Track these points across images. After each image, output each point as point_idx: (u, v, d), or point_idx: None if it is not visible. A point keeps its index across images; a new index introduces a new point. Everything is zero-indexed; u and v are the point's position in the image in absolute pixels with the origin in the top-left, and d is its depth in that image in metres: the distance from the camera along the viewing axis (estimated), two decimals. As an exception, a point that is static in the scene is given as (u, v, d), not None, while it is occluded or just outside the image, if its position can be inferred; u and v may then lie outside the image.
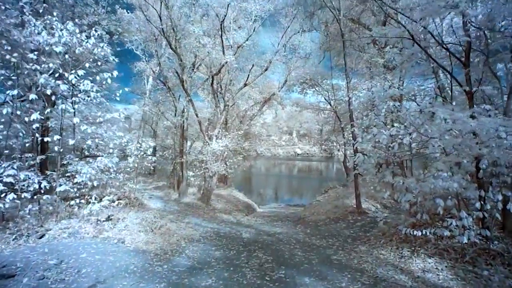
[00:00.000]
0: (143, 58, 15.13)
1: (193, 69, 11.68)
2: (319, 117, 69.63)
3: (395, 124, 5.86)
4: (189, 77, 11.44)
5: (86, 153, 8.93)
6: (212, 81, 10.65)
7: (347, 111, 16.93)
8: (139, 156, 9.05)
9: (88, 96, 6.42)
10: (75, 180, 7.36)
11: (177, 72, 10.26)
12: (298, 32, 11.67)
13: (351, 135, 13.86)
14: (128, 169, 9.08)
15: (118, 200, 9.58)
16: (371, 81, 10.66)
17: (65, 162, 7.68)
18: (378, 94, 6.77)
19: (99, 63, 7.10)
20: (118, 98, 7.01)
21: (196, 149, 12.70)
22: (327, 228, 7.79)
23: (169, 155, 13.36)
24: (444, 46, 5.20)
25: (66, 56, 6.37)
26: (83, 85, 6.50)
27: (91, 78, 6.89)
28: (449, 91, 8.37)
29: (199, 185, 11.62)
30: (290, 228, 8.01)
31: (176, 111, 11.40)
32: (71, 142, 6.42)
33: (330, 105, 16.10)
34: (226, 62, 9.32)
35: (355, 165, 7.60)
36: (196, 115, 10.03)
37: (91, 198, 7.50)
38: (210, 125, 15.25)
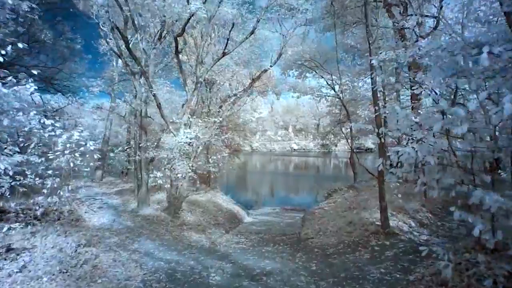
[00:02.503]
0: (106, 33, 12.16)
1: (159, 39, 8.85)
2: (316, 111, 66.95)
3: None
4: (152, 49, 8.64)
5: None
6: (176, 46, 7.82)
7: (354, 98, 14.25)
8: (71, 152, 6.27)
9: None
10: None
11: (117, 27, 7.40)
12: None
13: (362, 125, 11.32)
14: (51, 171, 6.30)
15: (44, 214, 6.89)
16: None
17: None
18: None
19: None
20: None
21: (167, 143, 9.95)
22: (342, 262, 5.13)
23: (131, 151, 10.61)
24: None
25: None
26: None
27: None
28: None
29: (169, 190, 8.85)
30: (286, 261, 5.33)
31: (136, 93, 8.61)
32: None
33: (334, 90, 13.41)
34: (193, 15, 6.53)
35: (390, 165, 4.96)
36: (151, 92, 7.19)
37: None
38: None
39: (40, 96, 12.55)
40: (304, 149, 75.93)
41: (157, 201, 8.95)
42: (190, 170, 7.35)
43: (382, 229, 5.99)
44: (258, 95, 20.57)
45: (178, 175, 7.30)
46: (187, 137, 7.12)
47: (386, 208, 6.05)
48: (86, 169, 6.76)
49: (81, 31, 13.56)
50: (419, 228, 6.17)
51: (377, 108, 6.38)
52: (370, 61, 6.33)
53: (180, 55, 9.43)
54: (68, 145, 6.35)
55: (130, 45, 8.05)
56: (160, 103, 7.47)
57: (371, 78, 6.37)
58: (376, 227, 6.13)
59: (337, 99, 13.44)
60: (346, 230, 6.34)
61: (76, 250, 5.26)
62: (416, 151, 3.47)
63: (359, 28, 15.42)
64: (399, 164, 4.07)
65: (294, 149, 76.12)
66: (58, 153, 6.20)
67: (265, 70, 10.89)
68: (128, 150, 14.62)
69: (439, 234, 5.86)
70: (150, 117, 9.56)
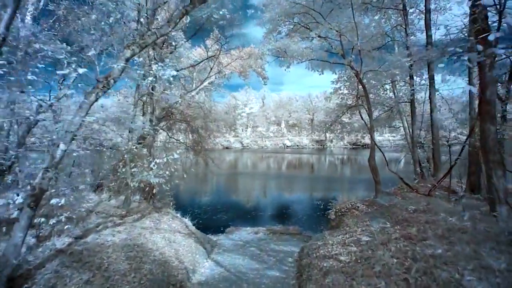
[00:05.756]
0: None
1: None
2: (310, 105, 63.76)
3: None
4: None
5: None
6: None
7: (374, 68, 9.65)
8: None
9: None
10: None
11: None
12: None
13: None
14: None
15: None
16: None
17: None
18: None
19: None
20: None
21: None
22: None
23: None
24: None
25: None
26: None
27: None
28: None
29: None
30: None
31: None
32: None
33: (344, 57, 8.81)
34: None
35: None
36: None
37: None
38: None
39: None
40: (297, 145, 71.74)
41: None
42: None
43: None
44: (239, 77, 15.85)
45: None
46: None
47: None
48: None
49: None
50: None
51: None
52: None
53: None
54: None
55: None
56: None
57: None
58: None
59: (349, 69, 8.85)
60: None
61: None
62: None
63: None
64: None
65: (287, 146, 71.87)
66: None
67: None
68: None
69: None
70: None
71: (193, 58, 13.44)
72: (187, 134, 12.44)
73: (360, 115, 8.61)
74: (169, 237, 6.82)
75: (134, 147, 8.23)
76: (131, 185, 7.96)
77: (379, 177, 8.53)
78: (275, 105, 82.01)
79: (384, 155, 7.77)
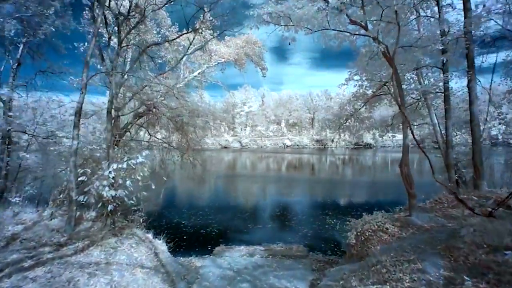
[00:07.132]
0: None
1: None
2: (310, 104, 61.40)
3: None
4: None
5: None
6: None
7: (406, 44, 7.30)
8: None
9: None
10: None
11: None
12: None
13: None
14: None
15: None
16: None
17: None
18: None
19: None
20: None
21: None
22: None
23: None
24: None
25: None
26: None
27: None
28: None
29: None
30: None
31: None
32: None
33: (365, 29, 6.64)
34: None
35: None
36: None
37: None
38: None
39: None
40: (298, 145, 69.65)
41: None
42: None
43: None
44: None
45: None
46: None
47: None
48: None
49: None
50: None
51: None
52: None
53: None
54: None
55: None
56: None
57: None
58: None
59: (375, 45, 6.67)
60: None
61: None
62: None
63: None
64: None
65: (287, 146, 69.74)
66: None
67: None
68: None
69: None
70: None
71: (181, 44, 11.35)
72: (170, 132, 10.34)
73: (399, 106, 6.34)
74: (120, 280, 4.65)
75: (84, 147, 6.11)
76: (75, 199, 5.82)
77: (414, 189, 6.38)
78: (275, 103, 79.87)
79: (429, 159, 5.61)
